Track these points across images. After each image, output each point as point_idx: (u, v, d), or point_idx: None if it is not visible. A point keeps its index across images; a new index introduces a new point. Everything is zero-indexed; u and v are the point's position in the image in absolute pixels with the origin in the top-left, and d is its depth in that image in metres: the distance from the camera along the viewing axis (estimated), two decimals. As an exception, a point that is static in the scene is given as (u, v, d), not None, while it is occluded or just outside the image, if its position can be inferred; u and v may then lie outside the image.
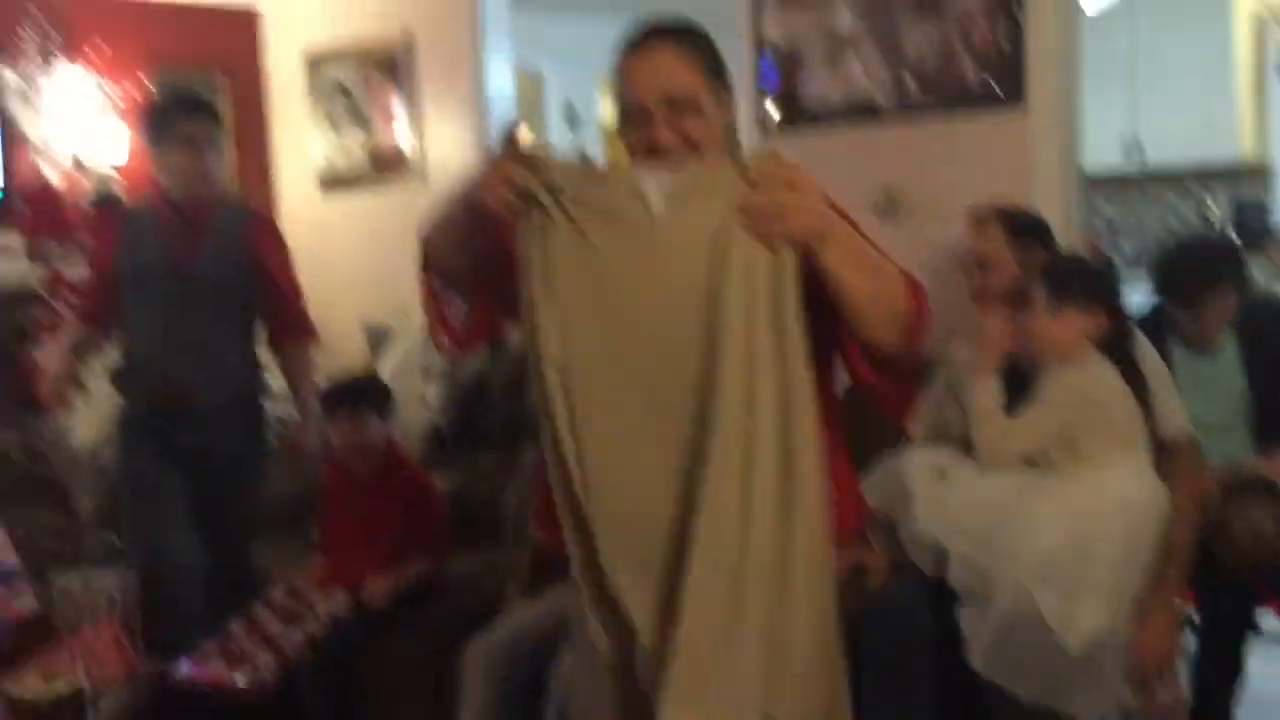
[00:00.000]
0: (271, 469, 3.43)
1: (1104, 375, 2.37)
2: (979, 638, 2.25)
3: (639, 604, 1.55)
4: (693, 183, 1.55)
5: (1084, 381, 2.36)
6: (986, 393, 2.41)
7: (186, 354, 3.06)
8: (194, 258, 3.04)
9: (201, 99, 3.15)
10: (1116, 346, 2.39)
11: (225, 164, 3.01)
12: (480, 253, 1.69)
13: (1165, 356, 2.67)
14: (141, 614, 3.25)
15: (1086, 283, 2.42)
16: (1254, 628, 2.65)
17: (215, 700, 2.82)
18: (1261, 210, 6.21)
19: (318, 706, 2.86)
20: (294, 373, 3.33)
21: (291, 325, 3.29)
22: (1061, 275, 2.45)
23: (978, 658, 2.26)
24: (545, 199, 1.55)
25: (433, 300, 1.81)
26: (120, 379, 3.18)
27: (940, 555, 2.36)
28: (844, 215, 1.63)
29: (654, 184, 1.54)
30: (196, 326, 3.07)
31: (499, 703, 2.62)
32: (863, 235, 1.65)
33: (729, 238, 1.52)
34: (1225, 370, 2.78)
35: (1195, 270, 2.73)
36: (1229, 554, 2.45)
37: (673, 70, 1.67)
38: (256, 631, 2.89)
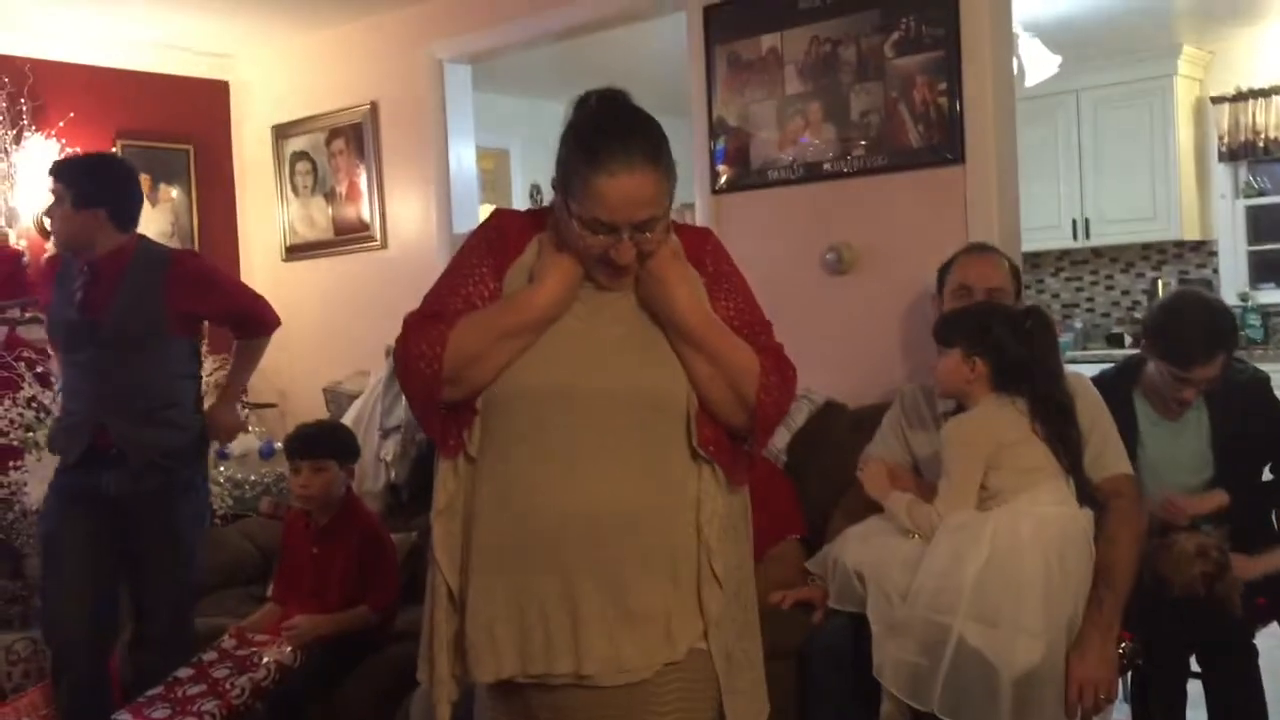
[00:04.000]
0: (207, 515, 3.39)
1: (993, 417, 2.46)
2: (896, 668, 2.32)
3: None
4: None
5: (966, 426, 2.48)
6: (896, 507, 2.52)
7: (107, 403, 3.03)
8: (107, 307, 3.03)
9: (62, 161, 3.26)
10: (1015, 386, 2.47)
11: (72, 224, 3.05)
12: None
13: (1129, 413, 2.75)
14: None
15: (964, 327, 2.52)
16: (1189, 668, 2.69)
17: (159, 748, 2.78)
18: (1206, 287, 6.38)
19: (263, 753, 2.83)
20: (239, 354, 3.36)
21: (248, 324, 3.30)
22: (946, 319, 2.61)
23: (918, 695, 2.30)
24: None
25: (443, 417, 1.80)
26: (51, 433, 3.21)
27: (861, 590, 2.46)
28: (733, 281, 1.86)
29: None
30: (117, 374, 3.03)
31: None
32: (748, 307, 1.85)
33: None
34: (1191, 437, 2.83)
35: (1204, 331, 2.71)
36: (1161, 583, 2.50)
37: (645, 195, 1.69)
38: (203, 679, 2.85)
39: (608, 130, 1.70)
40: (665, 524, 1.74)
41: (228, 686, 2.81)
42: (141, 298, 3.07)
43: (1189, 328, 2.72)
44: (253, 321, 3.29)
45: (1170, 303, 2.95)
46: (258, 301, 3.30)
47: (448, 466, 1.79)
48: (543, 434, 1.73)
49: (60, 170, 3.13)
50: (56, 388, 3.32)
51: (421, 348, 1.73)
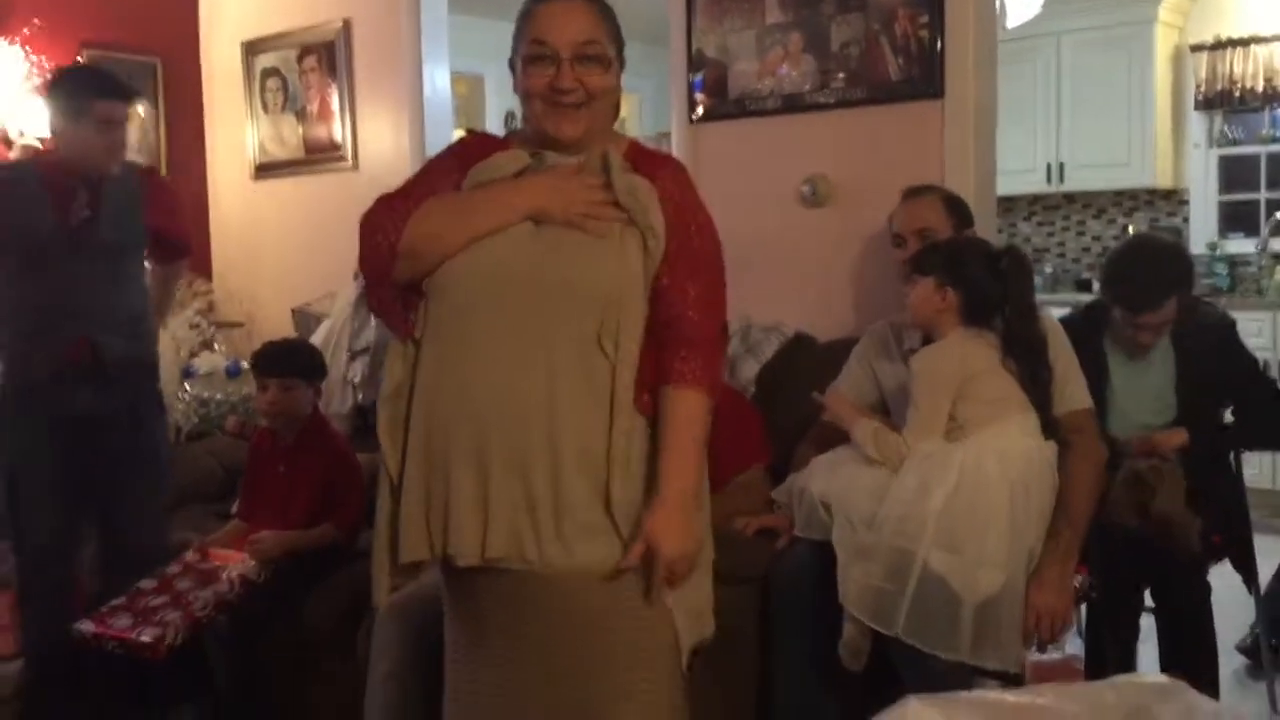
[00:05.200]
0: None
1: (961, 348, 2.49)
2: (861, 593, 2.35)
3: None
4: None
5: (934, 356, 2.51)
6: (863, 434, 2.53)
7: (91, 315, 3.01)
8: (93, 221, 3.00)
9: (118, 80, 3.11)
10: (985, 320, 2.51)
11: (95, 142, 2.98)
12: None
13: (1098, 354, 2.78)
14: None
15: (939, 257, 2.55)
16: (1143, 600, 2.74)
17: (122, 659, 2.79)
18: (1176, 235, 6.42)
19: (225, 665, 2.84)
20: (167, 281, 3.38)
21: (182, 247, 3.35)
22: (923, 249, 2.64)
23: (881, 618, 2.34)
24: None
25: (395, 301, 1.85)
26: (13, 346, 3.08)
27: (826, 519, 2.49)
28: (701, 253, 1.85)
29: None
30: (100, 288, 3.02)
31: (411, 660, 2.63)
32: (710, 296, 1.86)
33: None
34: (1156, 376, 2.88)
35: (1154, 276, 2.78)
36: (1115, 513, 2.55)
37: (587, 22, 1.80)
38: (166, 590, 2.85)
39: None
40: (580, 422, 1.77)
41: (190, 599, 2.81)
42: (128, 211, 3.07)
43: (1140, 273, 2.80)
44: (184, 245, 3.35)
45: (1122, 249, 3.04)
46: (190, 226, 3.36)
47: (396, 350, 1.86)
48: (474, 320, 1.78)
49: (125, 89, 3.07)
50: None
51: (383, 220, 1.82)
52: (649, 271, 1.80)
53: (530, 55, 1.80)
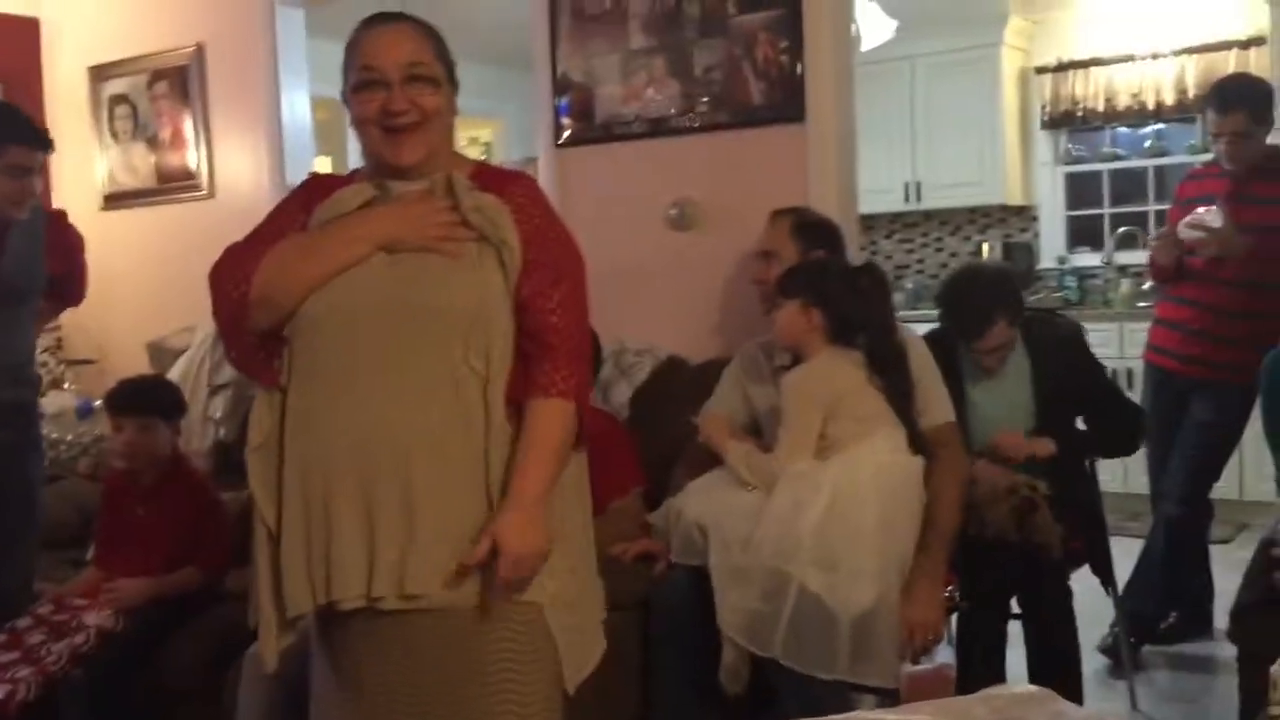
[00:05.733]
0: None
1: (829, 367, 2.55)
2: (737, 616, 2.37)
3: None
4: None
5: (803, 376, 2.56)
6: (735, 458, 2.58)
7: None
8: None
9: (34, 126, 2.97)
10: (850, 339, 2.58)
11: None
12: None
13: (954, 370, 2.86)
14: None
15: (802, 280, 2.62)
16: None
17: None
18: (1027, 250, 6.67)
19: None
20: (41, 319, 3.29)
21: (74, 293, 3.29)
22: (786, 272, 2.69)
23: (758, 641, 2.35)
24: None
25: (256, 350, 1.81)
26: None
27: (702, 543, 2.50)
28: (563, 262, 1.84)
29: None
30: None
31: (275, 709, 2.54)
32: (573, 306, 1.83)
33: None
34: (1013, 388, 2.98)
35: (974, 307, 2.91)
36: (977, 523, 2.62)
37: (414, 44, 1.81)
38: (16, 646, 2.70)
39: (382, 12, 1.87)
40: (458, 448, 1.74)
41: (44, 653, 2.68)
42: (30, 254, 2.98)
43: (964, 302, 2.94)
44: (78, 291, 3.27)
45: (949, 280, 3.20)
46: (85, 271, 3.25)
47: (262, 400, 1.82)
48: (340, 357, 1.75)
49: (43, 136, 2.95)
50: None
51: (233, 270, 1.78)
52: (509, 284, 1.79)
53: (360, 81, 1.80)
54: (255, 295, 1.75)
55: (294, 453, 1.76)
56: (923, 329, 3.01)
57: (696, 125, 3.49)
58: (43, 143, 2.94)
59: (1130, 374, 5.72)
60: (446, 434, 1.73)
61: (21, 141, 2.88)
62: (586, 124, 3.68)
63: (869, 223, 6.95)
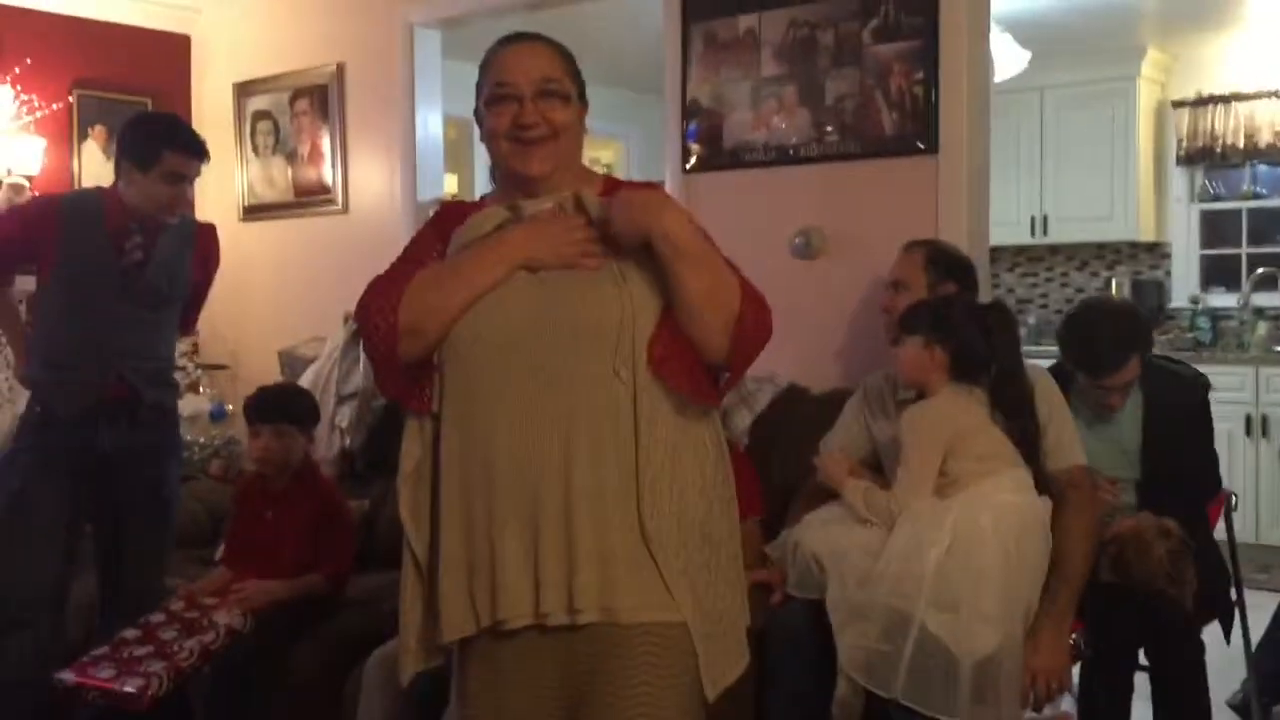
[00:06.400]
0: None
1: (951, 405, 2.50)
2: (856, 654, 2.34)
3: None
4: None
5: (923, 413, 2.52)
6: (853, 494, 2.54)
7: (130, 358, 3.05)
8: (143, 266, 3.04)
9: (193, 135, 3.10)
10: (974, 377, 2.54)
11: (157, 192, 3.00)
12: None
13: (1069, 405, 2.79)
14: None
15: (925, 317, 2.58)
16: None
17: (104, 710, 2.73)
18: (1157, 289, 6.48)
19: (210, 717, 2.79)
20: None
21: (196, 309, 3.39)
22: (910, 308, 2.66)
23: (878, 680, 2.32)
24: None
25: (408, 380, 1.81)
26: (49, 377, 3.05)
27: (819, 576, 2.48)
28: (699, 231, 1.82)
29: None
30: (141, 332, 3.08)
31: (399, 713, 2.59)
32: (713, 246, 1.82)
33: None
34: (1125, 428, 2.89)
35: (1109, 339, 2.81)
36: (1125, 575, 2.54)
37: (546, 60, 1.85)
38: (150, 640, 2.80)
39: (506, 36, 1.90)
40: (609, 461, 1.73)
41: (175, 649, 2.75)
42: (177, 259, 3.12)
43: (1095, 338, 2.83)
44: (191, 316, 3.38)
45: (1075, 313, 3.01)
46: (205, 297, 3.39)
47: (413, 428, 1.82)
48: (493, 379, 1.75)
49: (201, 146, 3.08)
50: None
51: (379, 303, 1.79)
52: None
53: (493, 96, 1.82)
54: (403, 325, 1.76)
55: (452, 479, 1.76)
56: (1045, 364, 2.94)
57: (825, 154, 3.48)
58: (200, 152, 3.06)
59: (1265, 421, 5.53)
60: (602, 449, 1.73)
61: (180, 149, 3.00)
62: (714, 150, 3.70)
63: (993, 255, 6.78)
